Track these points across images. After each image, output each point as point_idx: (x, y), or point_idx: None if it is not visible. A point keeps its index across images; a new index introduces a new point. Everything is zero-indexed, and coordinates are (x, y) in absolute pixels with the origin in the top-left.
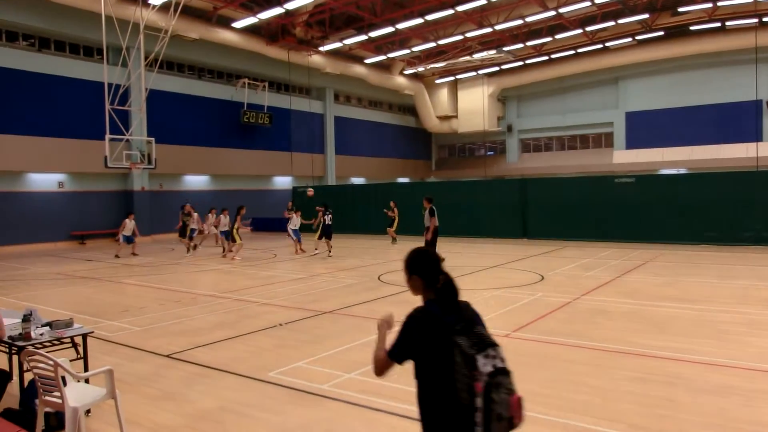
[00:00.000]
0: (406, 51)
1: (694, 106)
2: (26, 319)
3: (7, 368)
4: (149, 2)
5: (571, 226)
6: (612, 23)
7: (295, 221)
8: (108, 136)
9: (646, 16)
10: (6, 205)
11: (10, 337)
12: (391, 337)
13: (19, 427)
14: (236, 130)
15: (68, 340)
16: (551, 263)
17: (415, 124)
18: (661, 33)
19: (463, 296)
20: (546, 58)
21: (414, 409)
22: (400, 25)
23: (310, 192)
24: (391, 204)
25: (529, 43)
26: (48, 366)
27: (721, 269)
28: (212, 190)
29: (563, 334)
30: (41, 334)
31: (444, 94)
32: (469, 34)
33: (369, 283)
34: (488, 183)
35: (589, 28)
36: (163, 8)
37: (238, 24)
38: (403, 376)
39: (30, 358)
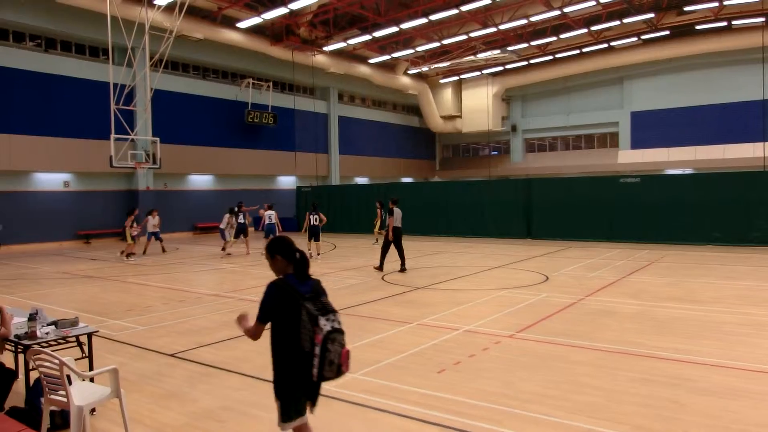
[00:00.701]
0: (410, 51)
1: (700, 105)
2: (32, 318)
3: (12, 367)
4: (154, 3)
5: (576, 226)
6: (617, 23)
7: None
8: (113, 135)
9: (651, 15)
10: (12, 205)
11: (16, 336)
12: (254, 310)
13: (25, 426)
14: (240, 129)
15: (73, 339)
16: (556, 264)
17: (419, 124)
18: (667, 32)
19: (467, 296)
20: (550, 57)
21: (418, 410)
22: (405, 25)
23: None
24: (377, 204)
25: (533, 43)
26: (53, 365)
27: (727, 270)
28: (216, 189)
29: (567, 335)
30: (47, 333)
31: (448, 93)
32: (473, 34)
33: (373, 282)
34: (492, 183)
35: (594, 28)
36: (168, 8)
37: (243, 24)
38: (407, 377)
39: (35, 356)
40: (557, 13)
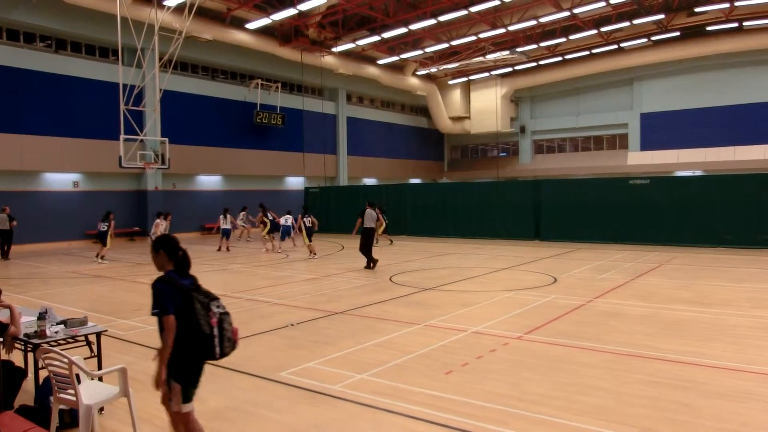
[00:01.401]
0: (419, 52)
1: (710, 107)
2: (41, 317)
3: (22, 365)
4: (164, 3)
5: (585, 227)
6: (627, 24)
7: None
8: (122, 136)
9: (661, 16)
10: (22, 205)
11: (25, 335)
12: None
13: (34, 424)
14: (249, 130)
15: (82, 338)
16: (564, 265)
17: (428, 125)
18: (677, 33)
19: (475, 297)
20: (560, 58)
21: (425, 411)
22: (413, 26)
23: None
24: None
25: (542, 44)
26: (62, 364)
27: (738, 272)
28: (225, 190)
29: (576, 336)
30: (56, 332)
31: (457, 94)
32: (482, 35)
33: (381, 283)
34: (501, 184)
35: (603, 29)
36: (178, 9)
37: (252, 25)
38: (414, 378)
39: (45, 355)
40: (567, 14)
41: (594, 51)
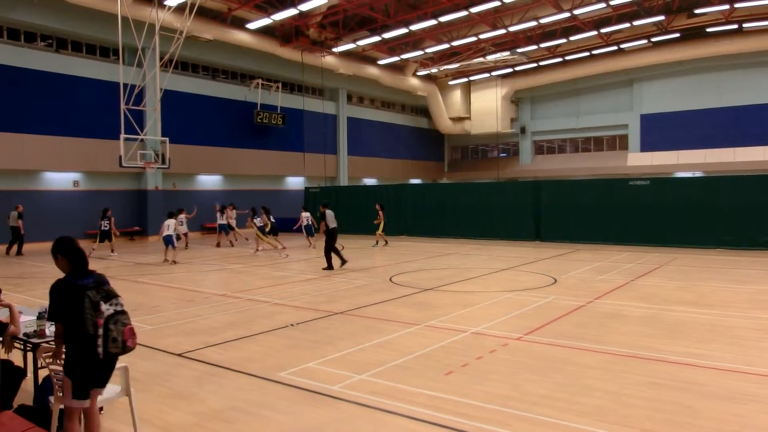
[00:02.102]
0: (420, 52)
1: (710, 108)
2: (41, 316)
3: (21, 365)
4: (165, 3)
5: (585, 228)
6: (627, 25)
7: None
8: (123, 135)
9: (661, 17)
10: (22, 204)
11: (25, 334)
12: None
13: (33, 424)
14: (249, 130)
15: None
16: (564, 266)
17: (428, 126)
18: (677, 35)
19: (475, 298)
20: (560, 59)
21: (425, 412)
22: (414, 27)
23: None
24: (377, 207)
25: (543, 45)
26: (62, 363)
27: (738, 274)
28: (225, 189)
29: (576, 337)
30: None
31: (457, 95)
32: (482, 36)
33: (381, 284)
34: (501, 185)
35: (603, 30)
36: (179, 9)
37: (252, 25)
38: (414, 379)
39: (45, 355)
40: (567, 15)
41: (594, 52)
